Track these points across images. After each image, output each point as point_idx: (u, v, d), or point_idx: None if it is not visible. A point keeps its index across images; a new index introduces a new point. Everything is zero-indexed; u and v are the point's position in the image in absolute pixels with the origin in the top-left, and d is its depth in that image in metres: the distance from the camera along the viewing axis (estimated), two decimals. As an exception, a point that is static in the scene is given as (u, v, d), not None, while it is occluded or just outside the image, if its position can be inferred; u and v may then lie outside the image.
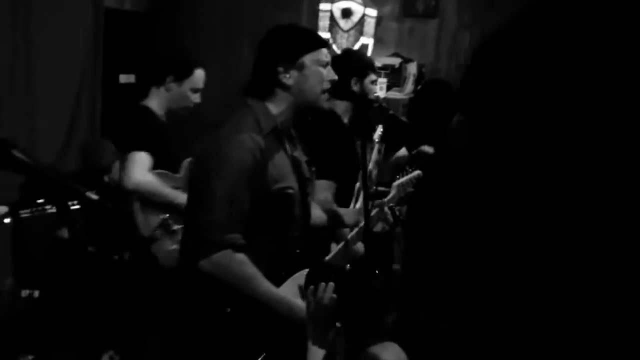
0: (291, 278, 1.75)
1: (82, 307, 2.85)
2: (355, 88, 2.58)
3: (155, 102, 2.53)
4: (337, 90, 2.47)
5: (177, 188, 2.46)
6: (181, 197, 2.40)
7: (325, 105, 1.77)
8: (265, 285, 1.64)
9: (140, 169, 2.31)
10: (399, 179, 2.13)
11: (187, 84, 2.53)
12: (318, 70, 1.69)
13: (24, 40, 3.69)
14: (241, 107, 1.73)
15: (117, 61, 4.33)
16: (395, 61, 4.12)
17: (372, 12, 4.03)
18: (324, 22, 4.08)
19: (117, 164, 2.76)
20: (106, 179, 2.92)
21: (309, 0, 4.40)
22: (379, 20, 4.12)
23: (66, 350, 2.90)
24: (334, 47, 4.10)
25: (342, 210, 2.13)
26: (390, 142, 3.22)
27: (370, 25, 4.03)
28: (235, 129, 1.64)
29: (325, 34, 4.11)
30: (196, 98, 2.58)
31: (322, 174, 2.35)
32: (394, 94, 4.06)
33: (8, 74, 3.65)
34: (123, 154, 2.39)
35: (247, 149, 1.60)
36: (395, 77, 4.09)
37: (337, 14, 3.99)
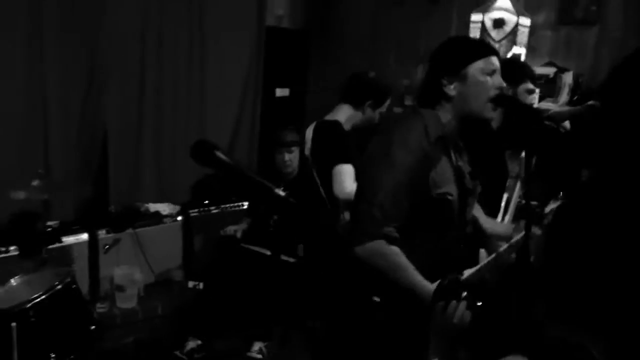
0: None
1: (241, 299, 3.10)
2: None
3: (344, 117, 2.76)
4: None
5: None
6: None
7: (492, 114, 1.77)
8: (418, 277, 1.68)
9: (350, 179, 2.52)
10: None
11: (379, 109, 2.79)
12: (482, 80, 1.71)
13: (199, 56, 4.15)
14: (411, 113, 1.83)
15: (274, 76, 4.67)
16: (550, 71, 3.94)
17: (526, 21, 3.89)
18: (474, 33, 4.03)
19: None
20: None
21: (459, 10, 4.38)
22: (532, 29, 3.98)
23: (227, 338, 3.17)
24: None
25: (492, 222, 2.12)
26: (546, 155, 3.09)
27: (523, 35, 3.90)
28: (404, 133, 1.73)
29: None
30: (378, 119, 2.83)
31: None
32: (548, 105, 3.89)
33: (185, 84, 4.13)
34: (326, 166, 2.61)
35: (412, 152, 1.68)
36: (549, 87, 3.92)
37: (489, 24, 3.92)
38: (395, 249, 1.68)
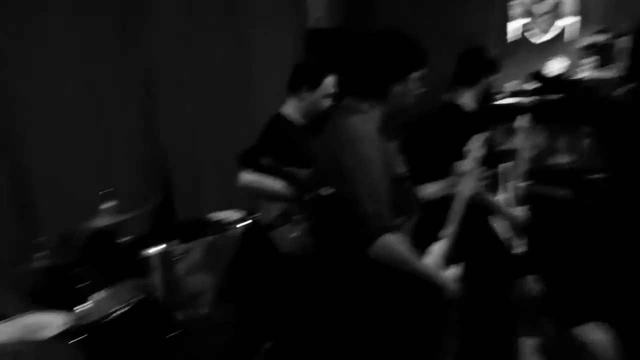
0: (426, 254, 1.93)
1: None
2: (485, 82, 2.76)
3: (291, 108, 2.83)
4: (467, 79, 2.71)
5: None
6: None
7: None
8: (421, 261, 1.84)
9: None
10: None
11: (319, 92, 2.76)
12: (417, 86, 1.89)
13: (246, 67, 4.29)
14: (352, 107, 1.91)
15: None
16: (602, 38, 3.82)
17: (572, -10, 3.79)
18: (515, 10, 3.96)
19: None
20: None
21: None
22: (580, -4, 3.85)
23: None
24: (527, 35, 3.95)
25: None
26: (601, 124, 3.01)
27: (568, 5, 3.79)
28: (362, 129, 1.84)
29: (519, 21, 3.99)
30: (328, 102, 2.79)
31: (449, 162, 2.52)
32: (603, 73, 3.77)
33: (235, 94, 4.28)
34: None
35: (374, 146, 1.80)
36: (603, 55, 3.80)
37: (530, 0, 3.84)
38: (398, 238, 1.79)
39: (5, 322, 2.51)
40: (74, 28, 3.52)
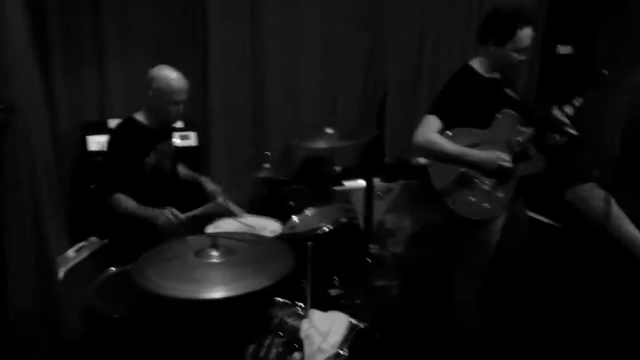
0: None
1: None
2: None
3: (478, 61, 2.56)
4: None
5: (475, 145, 2.48)
6: (471, 154, 2.45)
7: None
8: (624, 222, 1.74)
9: (425, 130, 2.48)
10: None
11: (509, 46, 2.44)
12: None
13: (476, 20, 4.14)
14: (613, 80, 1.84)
15: (556, 32, 4.36)
16: None
17: None
18: None
19: None
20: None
21: None
22: None
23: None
24: None
25: None
26: None
27: None
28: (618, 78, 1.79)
29: None
30: (521, 56, 2.47)
31: None
32: None
33: (461, 44, 4.17)
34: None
35: (625, 90, 1.75)
36: None
37: None
38: (603, 194, 1.69)
39: (228, 220, 2.92)
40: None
